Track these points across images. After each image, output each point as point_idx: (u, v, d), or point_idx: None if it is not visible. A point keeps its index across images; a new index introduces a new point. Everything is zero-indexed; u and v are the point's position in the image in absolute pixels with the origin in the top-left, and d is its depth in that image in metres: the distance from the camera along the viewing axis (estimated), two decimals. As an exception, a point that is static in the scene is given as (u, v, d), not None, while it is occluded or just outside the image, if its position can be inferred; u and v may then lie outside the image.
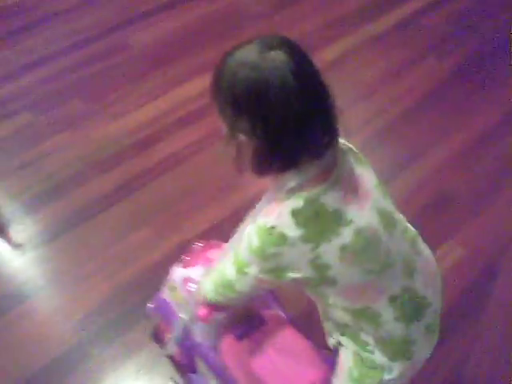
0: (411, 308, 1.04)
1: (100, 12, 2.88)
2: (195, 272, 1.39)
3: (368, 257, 0.98)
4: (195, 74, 2.52)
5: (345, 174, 0.99)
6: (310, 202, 0.94)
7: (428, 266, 1.10)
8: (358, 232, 0.96)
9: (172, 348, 1.46)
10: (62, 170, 2.12)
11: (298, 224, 0.93)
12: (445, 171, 2.10)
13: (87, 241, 1.88)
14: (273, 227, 0.94)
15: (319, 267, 0.95)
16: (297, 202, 0.94)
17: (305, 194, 0.95)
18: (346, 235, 0.95)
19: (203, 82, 2.52)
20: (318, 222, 0.95)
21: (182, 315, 1.36)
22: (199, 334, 1.38)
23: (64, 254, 1.85)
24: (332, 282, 0.98)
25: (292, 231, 0.93)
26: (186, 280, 1.40)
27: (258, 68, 0.90)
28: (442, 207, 1.98)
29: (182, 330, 1.38)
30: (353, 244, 0.95)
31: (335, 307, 1.04)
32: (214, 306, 1.24)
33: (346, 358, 1.13)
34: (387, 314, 1.02)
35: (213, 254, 1.41)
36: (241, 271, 1.02)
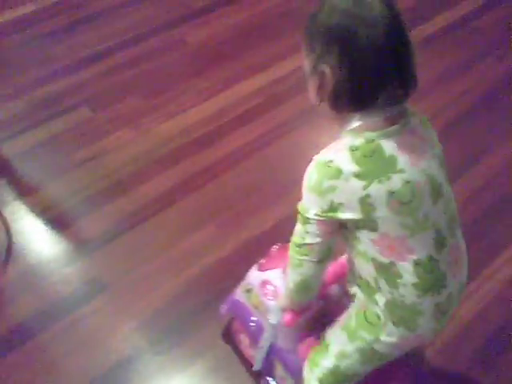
0: (431, 279, 1.08)
1: (155, 7, 2.86)
2: (273, 274, 1.40)
3: (409, 210, 1.03)
4: (253, 71, 2.51)
5: (407, 129, 1.05)
6: (369, 141, 1.01)
7: (458, 252, 1.14)
8: (407, 183, 1.02)
9: (261, 358, 1.43)
10: (124, 167, 2.11)
11: (354, 160, 1.00)
12: (504, 175, 2.06)
13: (152, 238, 1.87)
14: (331, 160, 1.01)
15: (367, 207, 1.01)
16: (357, 139, 1.02)
17: (366, 134, 1.02)
18: (396, 182, 1.01)
19: (262, 78, 2.54)
20: (373, 162, 1.01)
21: (272, 321, 1.36)
22: (281, 339, 1.38)
23: (129, 252, 1.84)
24: (373, 227, 1.03)
25: (348, 166, 1.00)
26: (264, 283, 1.40)
27: (358, 5, 0.97)
28: (503, 211, 1.95)
29: (272, 336, 1.37)
30: (399, 192, 1.02)
31: (364, 257, 1.09)
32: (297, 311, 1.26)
33: (352, 309, 1.20)
34: (408, 276, 1.07)
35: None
36: (305, 221, 1.07)
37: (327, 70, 1.00)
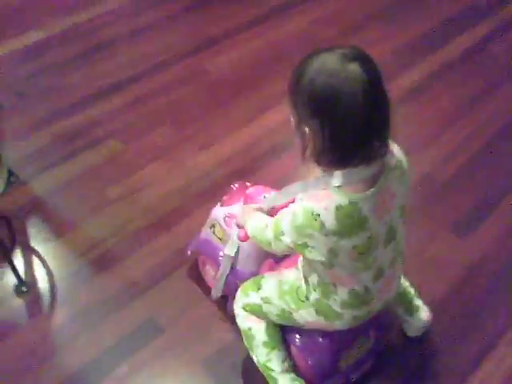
0: (359, 301, 1.31)
1: (171, 34, 2.81)
2: (234, 209, 1.59)
3: (363, 258, 1.22)
4: (279, 100, 2.47)
5: (384, 189, 1.18)
6: (352, 204, 1.14)
7: (392, 278, 1.35)
8: (369, 238, 1.19)
9: (220, 287, 1.64)
10: (163, 202, 2.04)
11: (336, 219, 1.13)
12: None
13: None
14: (318, 215, 1.14)
15: (331, 254, 1.19)
16: (343, 199, 1.13)
17: (350, 195, 1.14)
18: (361, 238, 1.18)
19: (285, 110, 2.50)
20: (350, 223, 1.15)
21: (227, 252, 1.57)
22: (242, 262, 1.58)
23: (182, 290, 1.78)
24: (330, 266, 1.22)
25: (330, 224, 1.14)
26: (227, 216, 1.60)
27: (337, 76, 1.05)
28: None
29: (228, 267, 1.59)
30: (361, 246, 1.19)
31: (312, 269, 1.30)
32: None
33: (292, 274, 1.41)
34: (342, 296, 1.29)
35: (250, 191, 1.59)
36: (277, 237, 1.26)
37: (309, 132, 1.10)
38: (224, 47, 2.76)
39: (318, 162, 1.15)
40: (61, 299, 1.78)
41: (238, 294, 1.50)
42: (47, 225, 1.98)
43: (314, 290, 1.33)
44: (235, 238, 1.55)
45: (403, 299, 1.63)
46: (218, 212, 1.64)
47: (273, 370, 1.46)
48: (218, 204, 1.67)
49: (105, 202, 2.05)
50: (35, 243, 1.93)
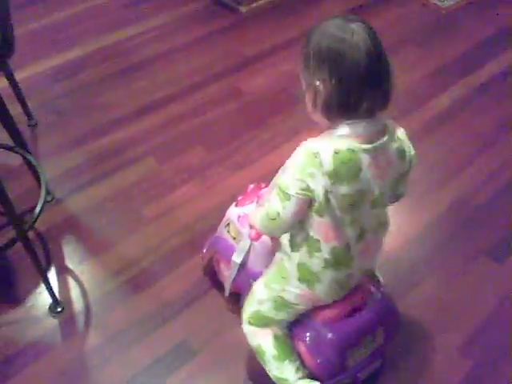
0: (339, 259, 1.39)
1: (209, 55, 2.81)
2: (249, 208, 1.65)
3: (351, 210, 1.32)
4: (312, 123, 2.46)
5: (381, 152, 1.30)
6: (349, 151, 1.25)
7: (373, 246, 1.46)
8: (358, 191, 1.30)
9: (229, 286, 1.72)
10: (196, 223, 2.04)
11: (333, 161, 1.24)
12: None
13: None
14: (317, 153, 1.24)
15: (326, 198, 1.28)
16: (342, 145, 1.25)
17: (351, 143, 1.25)
18: (352, 188, 1.28)
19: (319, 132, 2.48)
20: (344, 169, 1.26)
21: (234, 259, 1.65)
22: (254, 261, 1.63)
23: (216, 313, 1.77)
24: (321, 213, 1.31)
25: (327, 164, 1.24)
26: (241, 216, 1.65)
27: (342, 30, 1.22)
28: None
29: (235, 272, 1.66)
30: (350, 196, 1.30)
31: (301, 227, 1.37)
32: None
33: (272, 267, 1.52)
34: (324, 253, 1.38)
35: (263, 191, 1.63)
36: (285, 197, 1.30)
37: (319, 83, 1.24)
38: (258, 69, 2.76)
39: (327, 113, 1.27)
40: (95, 319, 1.77)
41: (242, 314, 1.57)
42: (82, 244, 1.99)
43: (298, 251, 1.42)
44: (246, 237, 1.62)
45: None
46: (233, 211, 1.70)
47: (287, 381, 1.51)
48: (233, 204, 1.73)
49: (140, 221, 2.05)
50: (70, 263, 1.93)
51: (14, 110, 2.20)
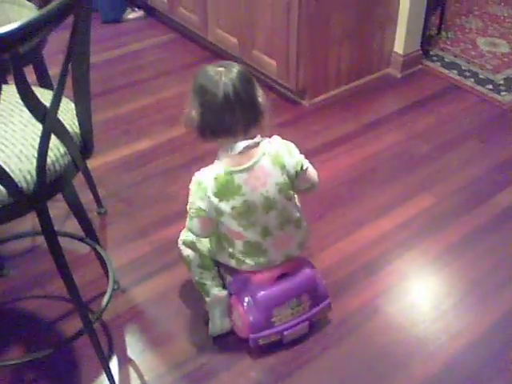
0: (253, 251, 1.81)
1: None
2: None
3: (245, 217, 1.74)
4: (375, 216, 2.49)
5: (257, 166, 1.71)
6: (226, 174, 1.69)
7: (285, 238, 1.85)
8: (245, 201, 1.72)
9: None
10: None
11: (215, 185, 1.70)
12: None
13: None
14: (201, 182, 1.72)
15: (218, 212, 1.74)
16: (220, 170, 1.70)
17: (226, 167, 1.70)
18: (237, 201, 1.71)
19: (385, 223, 2.48)
20: (225, 189, 1.70)
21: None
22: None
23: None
24: (221, 223, 1.77)
25: (210, 189, 1.70)
26: None
27: (213, 71, 1.66)
28: None
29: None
30: (239, 207, 1.72)
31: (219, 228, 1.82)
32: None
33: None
34: (238, 246, 1.82)
35: None
36: (189, 217, 1.79)
37: (194, 114, 1.68)
38: (320, 162, 2.79)
39: (201, 136, 1.71)
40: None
41: (182, 232, 2.02)
42: (145, 334, 2.01)
43: (225, 244, 1.85)
44: None
45: None
46: None
47: (205, 284, 1.96)
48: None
49: (201, 313, 2.06)
50: (132, 353, 1.95)
51: (85, 197, 2.31)
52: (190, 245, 1.97)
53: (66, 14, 1.26)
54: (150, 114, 3.14)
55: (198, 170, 1.75)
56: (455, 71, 3.53)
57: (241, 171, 1.68)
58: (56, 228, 1.61)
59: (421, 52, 3.55)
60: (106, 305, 1.81)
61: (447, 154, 2.88)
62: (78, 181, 2.04)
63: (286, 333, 1.91)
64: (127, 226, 2.43)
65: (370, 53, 3.37)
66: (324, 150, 2.88)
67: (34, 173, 1.41)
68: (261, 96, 1.71)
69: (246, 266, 1.84)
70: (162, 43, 3.82)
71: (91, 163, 2.51)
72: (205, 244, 1.94)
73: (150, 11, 4.07)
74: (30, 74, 1.94)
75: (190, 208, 1.76)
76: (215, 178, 1.68)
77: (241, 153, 1.68)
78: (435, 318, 2.07)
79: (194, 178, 1.74)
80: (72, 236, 2.03)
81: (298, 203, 1.91)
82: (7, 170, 1.37)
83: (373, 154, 2.87)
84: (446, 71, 3.53)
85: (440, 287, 2.23)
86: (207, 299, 1.96)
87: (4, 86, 1.23)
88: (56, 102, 1.37)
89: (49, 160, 1.43)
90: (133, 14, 4.07)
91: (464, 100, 3.30)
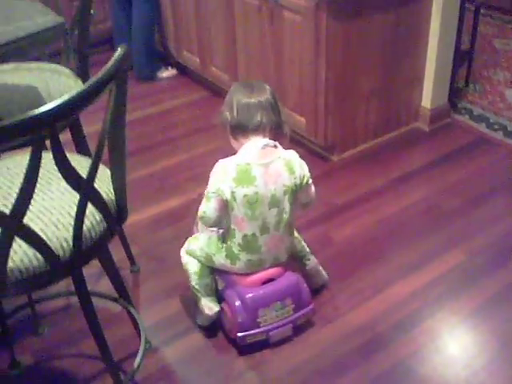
0: (249, 245, 2.06)
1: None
2: None
3: (252, 207, 1.99)
4: (405, 273, 2.49)
5: (272, 166, 1.99)
6: (246, 164, 1.97)
7: (278, 239, 2.09)
8: (255, 193, 1.97)
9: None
10: (287, 377, 2.06)
11: (235, 171, 1.96)
12: None
13: None
14: (225, 166, 1.99)
15: (232, 196, 1.97)
16: (242, 160, 1.98)
17: (247, 159, 1.98)
18: (250, 190, 1.97)
19: (415, 280, 2.46)
20: (243, 176, 1.96)
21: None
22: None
23: None
24: (232, 208, 1.99)
25: (231, 172, 1.97)
26: None
27: (246, 86, 2.11)
28: None
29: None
30: (249, 196, 1.97)
31: (223, 223, 2.08)
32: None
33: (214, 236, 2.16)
34: (238, 239, 2.05)
35: None
36: (207, 198, 2.03)
37: (228, 113, 2.03)
38: (349, 217, 2.84)
39: (233, 133, 2.04)
40: None
41: (186, 242, 2.25)
42: (175, 394, 2.03)
43: (226, 238, 2.08)
44: None
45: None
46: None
47: (199, 292, 2.17)
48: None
49: (232, 374, 2.08)
50: (163, 414, 1.97)
51: (119, 254, 2.37)
52: (191, 253, 2.19)
53: (102, 91, 1.34)
54: (183, 171, 3.22)
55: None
56: (484, 124, 3.55)
57: (258, 165, 1.96)
58: (90, 287, 1.66)
59: (449, 105, 3.59)
60: (138, 366, 1.83)
61: (477, 209, 2.87)
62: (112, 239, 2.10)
63: (271, 333, 2.13)
64: (159, 284, 2.47)
65: (397, 107, 3.42)
66: (353, 206, 2.91)
67: (70, 240, 1.47)
68: (282, 111, 2.10)
69: (239, 264, 2.08)
70: (194, 101, 3.94)
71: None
72: (204, 250, 2.14)
73: (183, 70, 4.21)
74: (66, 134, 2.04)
75: (208, 191, 2.00)
76: (237, 165, 1.96)
77: (262, 149, 1.97)
78: (467, 378, 2.05)
79: (218, 164, 2.00)
80: (105, 296, 2.08)
81: (293, 215, 2.14)
82: (44, 238, 1.44)
83: (402, 209, 2.88)
84: (475, 124, 3.55)
85: (472, 346, 2.21)
86: (199, 304, 2.21)
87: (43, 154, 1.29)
88: (93, 172, 1.43)
89: (85, 228, 1.50)
90: (166, 73, 4.22)
91: (493, 153, 3.31)
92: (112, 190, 1.64)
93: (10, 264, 1.41)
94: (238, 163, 1.97)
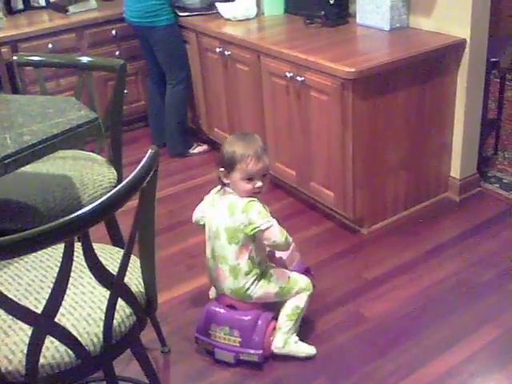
0: (210, 266, 2.48)
1: (329, 278, 2.92)
2: None
3: (208, 231, 2.45)
4: (439, 350, 2.44)
5: (219, 201, 2.39)
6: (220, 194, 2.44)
7: (219, 271, 2.40)
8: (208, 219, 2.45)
9: None
10: None
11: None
12: None
13: None
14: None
15: None
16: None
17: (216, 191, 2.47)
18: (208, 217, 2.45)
19: (449, 359, 2.42)
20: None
21: None
22: None
23: None
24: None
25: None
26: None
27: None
28: None
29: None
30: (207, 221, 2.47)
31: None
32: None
33: None
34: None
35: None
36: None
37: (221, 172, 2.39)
38: (380, 292, 2.82)
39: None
40: None
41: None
42: None
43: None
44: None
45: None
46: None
47: None
48: None
49: None
50: None
51: (149, 335, 2.40)
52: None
53: (134, 193, 1.40)
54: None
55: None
56: (515, 192, 3.53)
57: (215, 196, 2.47)
58: (119, 371, 1.66)
59: (478, 175, 3.59)
60: None
61: (510, 282, 2.83)
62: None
63: (215, 349, 2.42)
64: (190, 366, 2.47)
65: (426, 179, 3.44)
66: (384, 280, 2.89)
67: (101, 335, 1.51)
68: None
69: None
70: (225, 176, 4.00)
71: (156, 301, 2.62)
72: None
73: (214, 145, 4.31)
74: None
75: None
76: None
77: None
78: None
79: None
80: (136, 382, 2.09)
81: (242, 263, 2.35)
82: (75, 333, 1.48)
83: (434, 283, 2.86)
84: (506, 193, 3.53)
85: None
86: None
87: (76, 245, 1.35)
88: (123, 270, 1.48)
89: (115, 322, 1.53)
90: (198, 149, 4.33)
91: (525, 222, 3.29)
92: (141, 282, 1.68)
93: (42, 360, 1.46)
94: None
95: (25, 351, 1.43)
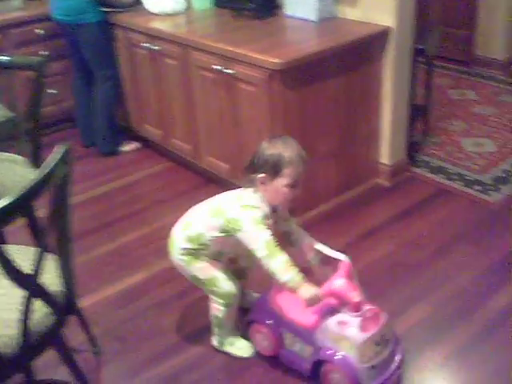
0: None
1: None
2: None
3: None
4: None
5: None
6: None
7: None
8: None
9: None
10: None
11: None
12: None
13: None
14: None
15: None
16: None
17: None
18: None
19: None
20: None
21: None
22: None
23: None
24: None
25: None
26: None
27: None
28: None
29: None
30: None
31: None
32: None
33: None
34: None
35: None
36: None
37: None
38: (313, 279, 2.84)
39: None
40: None
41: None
42: None
43: None
44: None
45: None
46: None
47: None
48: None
49: None
50: None
51: (77, 337, 2.35)
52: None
53: (42, 192, 1.36)
54: (144, 245, 3.19)
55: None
56: (443, 175, 3.62)
57: None
58: (49, 375, 1.61)
59: (407, 160, 3.67)
60: None
61: (440, 261, 2.90)
62: (73, 321, 2.06)
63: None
64: (122, 365, 2.43)
65: (357, 166, 3.49)
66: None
67: (16, 337, 1.46)
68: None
69: None
70: (157, 172, 3.98)
71: (86, 302, 2.58)
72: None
73: (146, 143, 4.26)
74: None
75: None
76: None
77: None
78: None
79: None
80: (64, 384, 2.04)
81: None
82: (-11, 337, 1.43)
83: (366, 265, 2.89)
84: (434, 176, 3.63)
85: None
86: None
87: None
88: (37, 269, 1.44)
89: (33, 322, 1.49)
90: (129, 146, 4.27)
91: (454, 203, 3.37)
92: (60, 281, 1.64)
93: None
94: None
95: None
